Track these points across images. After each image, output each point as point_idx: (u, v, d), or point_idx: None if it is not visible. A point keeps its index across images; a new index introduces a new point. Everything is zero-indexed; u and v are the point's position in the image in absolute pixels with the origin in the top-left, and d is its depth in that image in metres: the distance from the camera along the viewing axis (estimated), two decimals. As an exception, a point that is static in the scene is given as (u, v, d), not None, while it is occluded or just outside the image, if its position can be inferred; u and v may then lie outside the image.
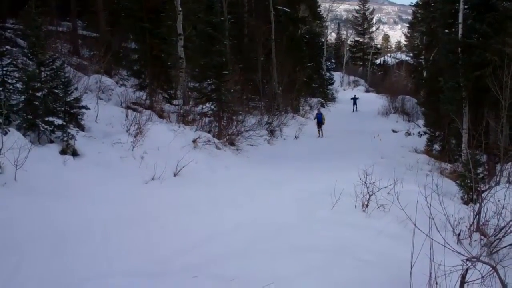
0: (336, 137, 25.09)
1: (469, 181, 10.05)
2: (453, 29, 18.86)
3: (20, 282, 4.90)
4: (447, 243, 4.70)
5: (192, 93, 17.89)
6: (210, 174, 12.30)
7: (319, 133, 26.06)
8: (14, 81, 9.44)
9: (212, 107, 17.15)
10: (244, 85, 23.73)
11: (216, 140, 15.24)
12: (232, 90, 18.17)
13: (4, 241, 5.73)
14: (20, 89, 9.40)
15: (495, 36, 15.46)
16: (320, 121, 26.11)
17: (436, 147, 21.61)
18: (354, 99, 39.95)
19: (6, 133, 8.47)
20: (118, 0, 18.90)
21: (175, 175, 11.23)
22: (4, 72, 9.29)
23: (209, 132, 15.74)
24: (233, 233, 6.90)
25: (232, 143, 16.66)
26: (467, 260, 4.47)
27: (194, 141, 13.76)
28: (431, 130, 22.59)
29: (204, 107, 17.07)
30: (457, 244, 6.05)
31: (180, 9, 18.19)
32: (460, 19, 17.61)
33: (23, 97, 9.39)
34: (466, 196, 10.58)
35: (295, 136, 23.16)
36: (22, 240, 5.85)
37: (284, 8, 34.35)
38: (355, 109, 39.55)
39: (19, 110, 9.32)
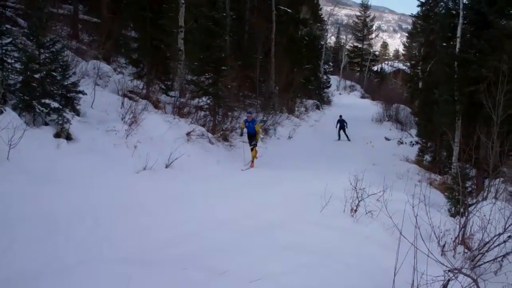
0: (327, 141, 25.27)
1: (457, 194, 10.16)
2: (451, 43, 19.04)
3: (10, 261, 4.94)
4: (431, 253, 4.76)
5: (189, 86, 17.85)
6: (202, 168, 12.35)
7: (252, 160, 14.71)
8: (13, 61, 9.44)
9: (208, 101, 17.15)
10: (241, 82, 23.77)
11: (210, 135, 15.26)
12: (229, 86, 18.19)
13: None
14: (18, 69, 9.41)
15: (492, 53, 15.58)
16: (252, 132, 14.97)
17: (427, 157, 21.82)
18: (341, 122, 27.47)
19: (1, 112, 8.51)
20: (121, -14, 18.89)
21: (167, 166, 11.29)
22: (4, 51, 9.28)
23: (203, 126, 15.74)
24: (221, 227, 6.92)
25: (225, 139, 16.69)
26: (449, 271, 4.56)
27: (188, 134, 13.79)
28: (423, 140, 22.83)
29: (200, 100, 17.07)
30: (441, 255, 6.13)
31: (183, 1, 18.20)
32: (459, 33, 17.82)
33: (21, 77, 9.40)
34: (453, 208, 10.68)
35: (289, 136, 23.23)
36: (14, 220, 5.90)
37: (286, 9, 34.49)
38: (342, 136, 27.25)
39: (16, 90, 9.34)
